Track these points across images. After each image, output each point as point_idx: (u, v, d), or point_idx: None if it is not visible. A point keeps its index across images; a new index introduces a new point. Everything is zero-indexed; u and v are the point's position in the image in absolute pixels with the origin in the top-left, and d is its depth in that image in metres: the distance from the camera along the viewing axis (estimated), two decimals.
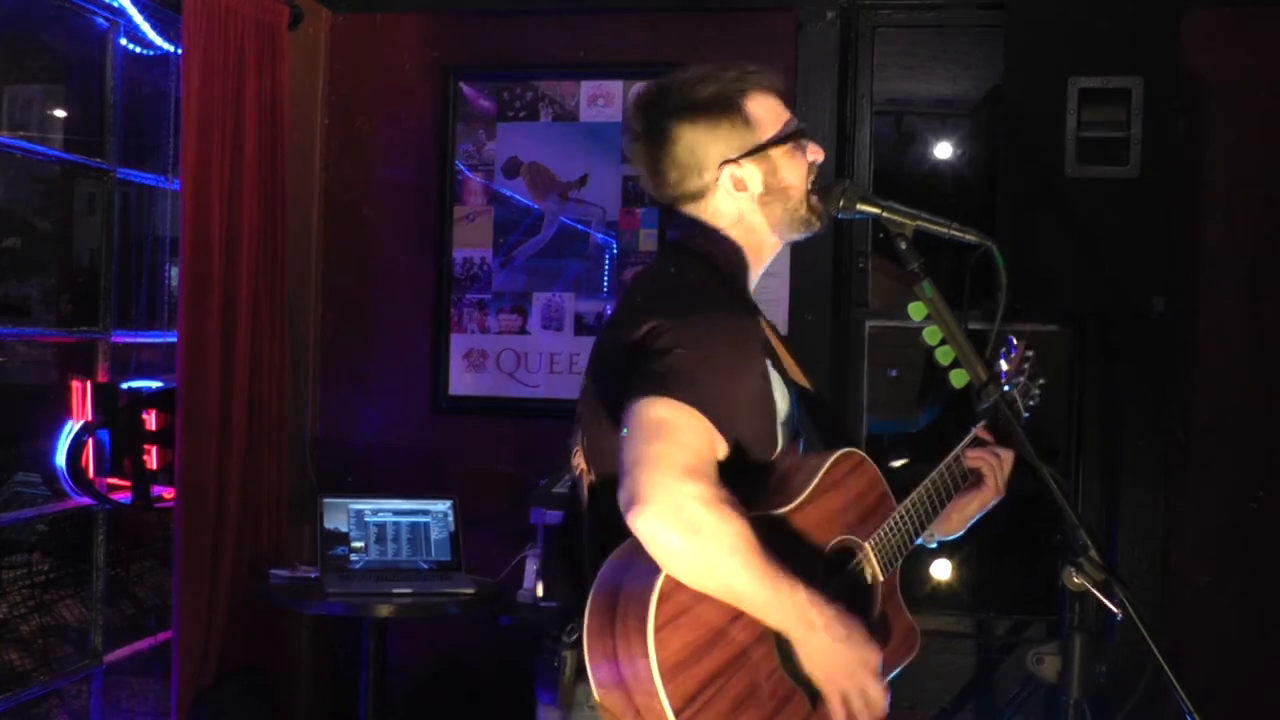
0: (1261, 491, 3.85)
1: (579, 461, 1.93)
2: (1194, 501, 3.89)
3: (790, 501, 1.80)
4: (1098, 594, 1.82)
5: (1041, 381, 2.28)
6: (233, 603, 3.64)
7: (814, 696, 1.74)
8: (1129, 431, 3.87)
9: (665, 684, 1.59)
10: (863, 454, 1.94)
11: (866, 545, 1.90)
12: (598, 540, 1.80)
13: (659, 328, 1.76)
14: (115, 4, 3.57)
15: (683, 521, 1.59)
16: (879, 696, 1.74)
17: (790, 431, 1.94)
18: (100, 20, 3.63)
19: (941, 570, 4.35)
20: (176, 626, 3.50)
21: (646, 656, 1.59)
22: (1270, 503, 3.84)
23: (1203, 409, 3.88)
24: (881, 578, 1.92)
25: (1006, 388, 2.20)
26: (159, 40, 3.74)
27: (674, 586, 1.62)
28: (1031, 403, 2.26)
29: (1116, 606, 1.79)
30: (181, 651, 3.50)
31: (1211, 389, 3.88)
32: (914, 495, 2.00)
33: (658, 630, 1.59)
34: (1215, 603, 3.86)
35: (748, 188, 1.94)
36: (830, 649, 1.69)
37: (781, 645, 1.72)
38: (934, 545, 2.19)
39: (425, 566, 3.67)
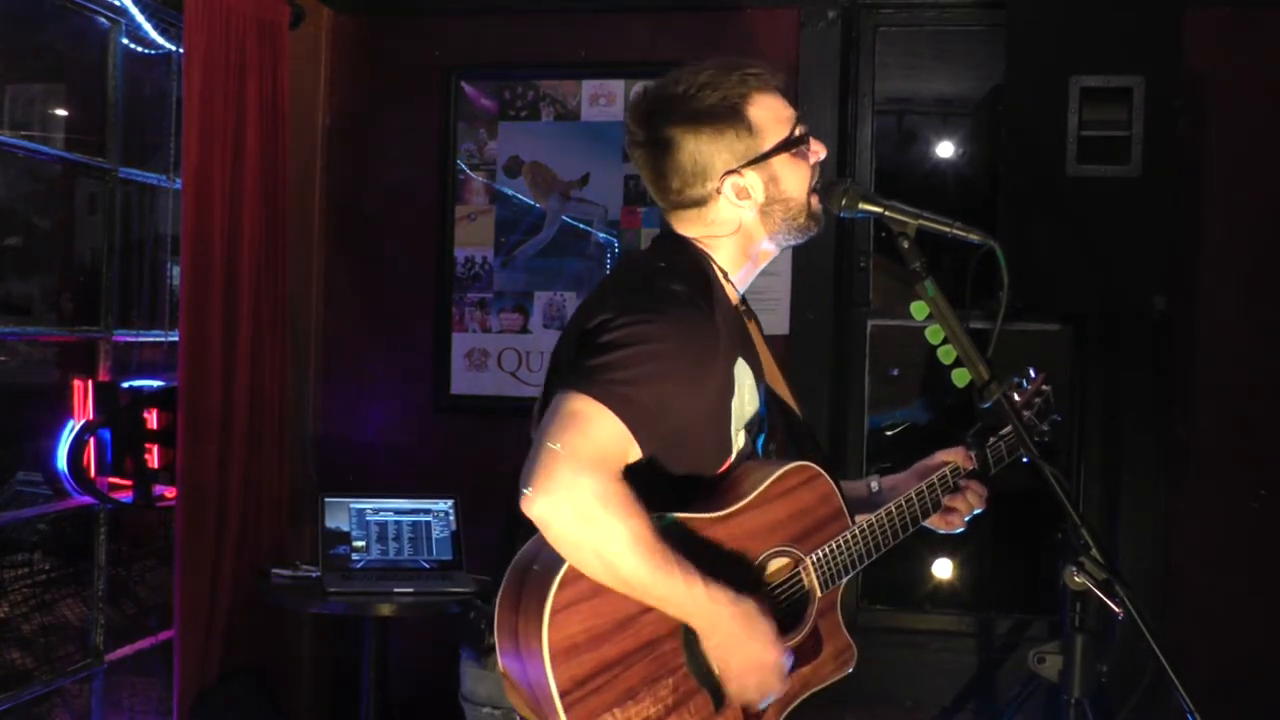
0: (1263, 490, 3.85)
1: None
2: (1195, 501, 3.89)
3: (729, 506, 1.80)
4: (1099, 593, 1.82)
5: (1055, 417, 2.26)
6: (234, 602, 3.64)
7: (719, 700, 1.77)
8: (1130, 431, 3.87)
9: (554, 666, 1.62)
10: (819, 469, 1.93)
11: (808, 559, 1.90)
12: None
13: (608, 322, 1.75)
14: (117, 3, 3.57)
15: (575, 512, 1.61)
16: (775, 694, 1.80)
17: (754, 435, 1.93)
18: (102, 19, 3.63)
19: (943, 569, 4.35)
20: (178, 626, 3.50)
21: (540, 637, 1.62)
22: (1271, 502, 3.84)
23: (1204, 408, 3.88)
24: (820, 593, 1.91)
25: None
26: (160, 39, 3.74)
27: (580, 573, 1.65)
28: (1038, 439, 2.23)
29: (1118, 606, 1.79)
30: (183, 651, 3.50)
31: (1212, 388, 3.88)
32: (871, 518, 1.99)
33: (554, 613, 1.63)
34: (1216, 602, 3.86)
35: (750, 195, 1.92)
36: (731, 643, 1.72)
37: (690, 643, 1.74)
38: None
39: (426, 566, 3.67)
